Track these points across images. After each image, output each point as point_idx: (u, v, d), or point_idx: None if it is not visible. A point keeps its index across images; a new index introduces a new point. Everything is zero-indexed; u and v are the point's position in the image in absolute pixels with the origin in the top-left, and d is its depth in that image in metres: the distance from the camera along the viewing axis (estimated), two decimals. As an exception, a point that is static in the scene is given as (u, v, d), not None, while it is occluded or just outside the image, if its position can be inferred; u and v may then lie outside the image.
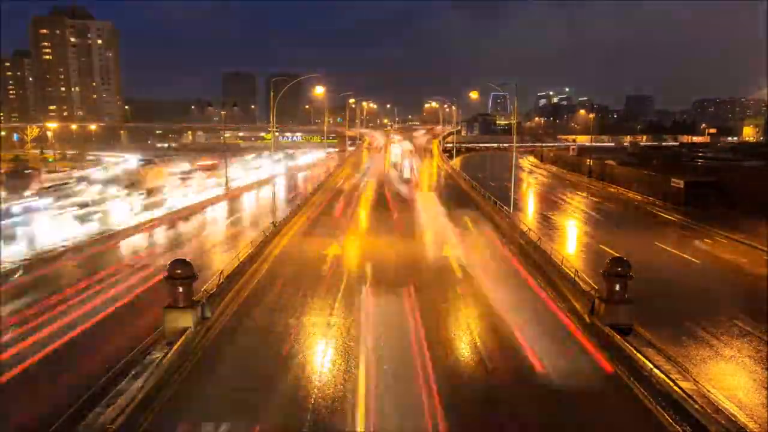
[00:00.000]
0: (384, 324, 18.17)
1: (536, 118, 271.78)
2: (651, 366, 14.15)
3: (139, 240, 33.24)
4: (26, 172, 63.34)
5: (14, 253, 28.03)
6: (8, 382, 14.99)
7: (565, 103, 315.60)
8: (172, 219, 38.94)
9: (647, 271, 23.70)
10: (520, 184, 61.40)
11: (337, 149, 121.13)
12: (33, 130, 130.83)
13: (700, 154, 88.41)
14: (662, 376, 13.67)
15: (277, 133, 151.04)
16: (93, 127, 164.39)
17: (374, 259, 26.85)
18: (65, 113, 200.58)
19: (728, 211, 39.63)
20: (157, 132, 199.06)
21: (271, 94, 38.11)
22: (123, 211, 39.46)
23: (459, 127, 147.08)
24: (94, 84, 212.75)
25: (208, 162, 75.96)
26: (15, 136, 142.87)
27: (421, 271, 24.60)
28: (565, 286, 21.09)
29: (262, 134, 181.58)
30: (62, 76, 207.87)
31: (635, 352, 15.04)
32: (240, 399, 13.52)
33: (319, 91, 53.95)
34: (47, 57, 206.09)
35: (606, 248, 29.36)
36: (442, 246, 29.16)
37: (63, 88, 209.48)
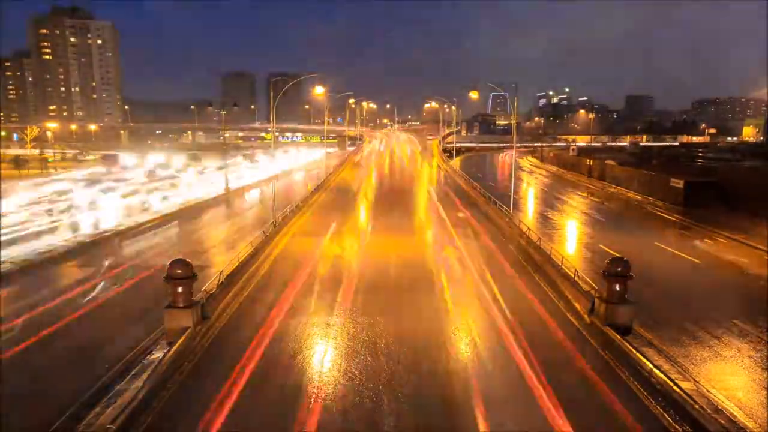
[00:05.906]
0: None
1: (536, 118, 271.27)
2: (651, 366, 14.15)
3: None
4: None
5: None
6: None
7: (565, 103, 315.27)
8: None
9: (647, 271, 23.72)
10: (520, 184, 61.34)
11: (337, 149, 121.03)
12: (33, 130, 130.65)
13: (700, 154, 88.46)
14: (662, 376, 13.66)
15: (277, 133, 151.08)
16: (93, 127, 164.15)
17: (374, 260, 26.86)
18: (65, 113, 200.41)
19: (728, 211, 39.57)
20: (157, 132, 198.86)
21: (271, 94, 38.15)
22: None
23: (459, 127, 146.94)
24: (94, 84, 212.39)
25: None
26: (15, 136, 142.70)
27: (421, 269, 24.62)
28: (564, 286, 21.09)
29: (262, 134, 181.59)
30: (62, 76, 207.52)
31: (635, 352, 15.03)
32: (239, 399, 13.51)
33: (319, 91, 53.81)
34: (47, 57, 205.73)
35: (606, 248, 29.37)
36: (443, 246, 29.20)
37: (63, 88, 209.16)
